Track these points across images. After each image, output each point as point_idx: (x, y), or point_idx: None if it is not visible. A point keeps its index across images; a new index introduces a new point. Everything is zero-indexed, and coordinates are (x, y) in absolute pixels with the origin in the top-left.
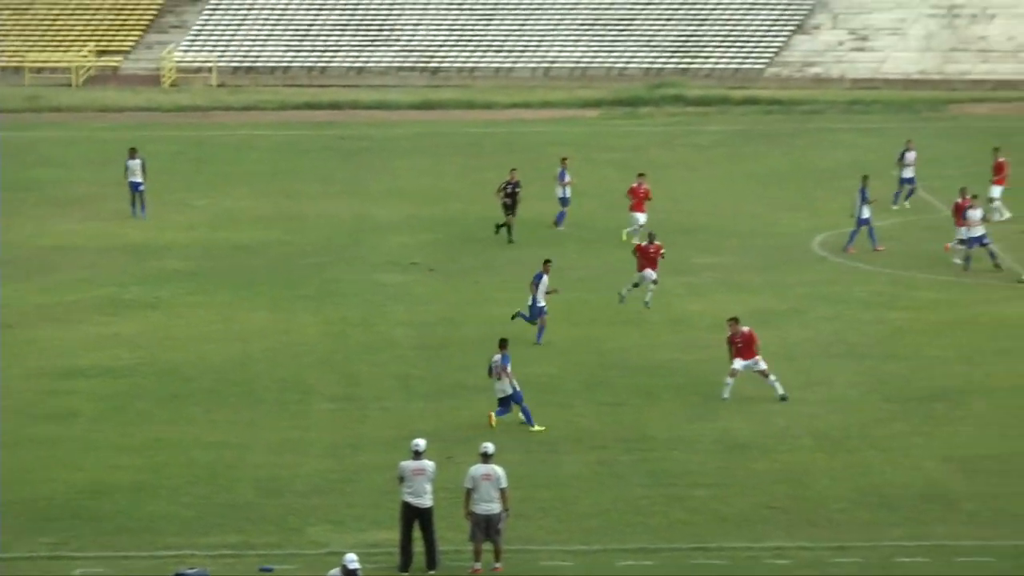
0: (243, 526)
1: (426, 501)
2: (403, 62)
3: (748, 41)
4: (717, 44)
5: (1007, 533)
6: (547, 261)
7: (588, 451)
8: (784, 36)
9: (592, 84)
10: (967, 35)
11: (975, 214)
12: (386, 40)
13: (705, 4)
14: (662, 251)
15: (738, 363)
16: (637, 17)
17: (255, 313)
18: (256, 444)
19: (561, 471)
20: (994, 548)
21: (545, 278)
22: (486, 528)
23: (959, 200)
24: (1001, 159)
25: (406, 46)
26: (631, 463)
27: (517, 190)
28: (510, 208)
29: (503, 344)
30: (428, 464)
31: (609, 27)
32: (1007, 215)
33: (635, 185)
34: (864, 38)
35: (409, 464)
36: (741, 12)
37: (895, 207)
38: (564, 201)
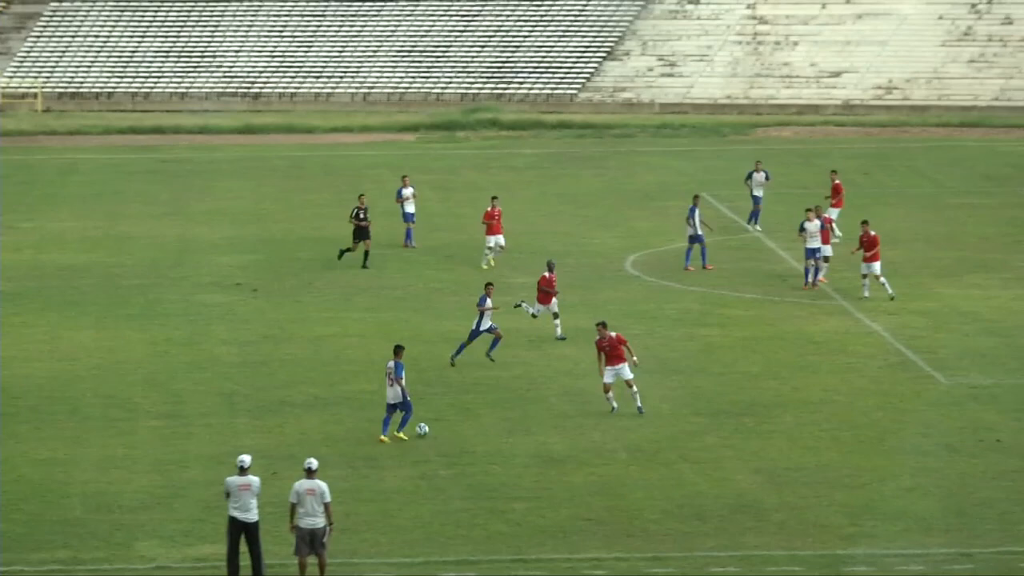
0: (72, 542)
1: (252, 516)
2: (225, 87)
3: (561, 67)
4: (531, 70)
5: (815, 543)
6: (488, 284)
7: (409, 466)
8: (595, 62)
9: (409, 109)
10: (771, 61)
11: (812, 226)
12: (208, 66)
13: (519, 31)
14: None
15: (608, 374)
16: (453, 44)
17: (81, 332)
18: (84, 461)
19: (383, 485)
20: (802, 558)
21: (488, 300)
22: (311, 542)
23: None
24: (838, 181)
25: (228, 72)
26: (451, 477)
27: (366, 215)
28: (362, 234)
29: (397, 351)
30: (254, 479)
31: (426, 54)
32: (839, 235)
33: (489, 208)
34: (672, 64)
35: (235, 480)
36: (554, 39)
37: (758, 228)
38: (407, 217)
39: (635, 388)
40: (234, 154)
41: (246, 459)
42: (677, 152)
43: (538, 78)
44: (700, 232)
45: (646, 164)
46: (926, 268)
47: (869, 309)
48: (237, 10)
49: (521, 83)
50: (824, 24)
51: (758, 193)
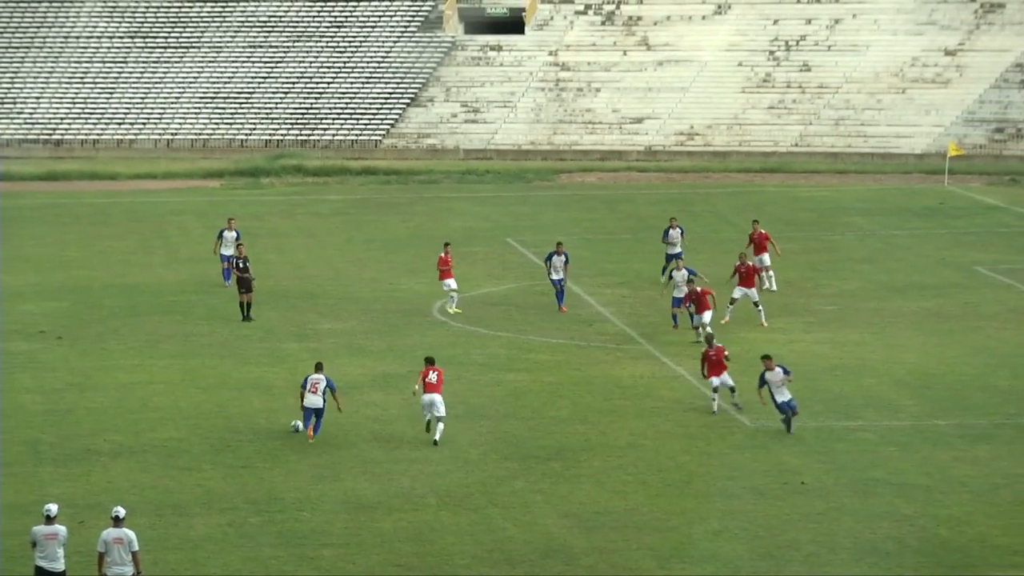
0: None
1: (59, 565)
2: (26, 134)
3: (365, 113)
4: (335, 116)
5: None
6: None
7: (218, 513)
8: (399, 109)
9: (213, 155)
10: (574, 108)
11: (679, 275)
12: (9, 112)
13: (322, 78)
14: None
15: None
16: (256, 90)
17: None
18: None
19: (192, 533)
20: None
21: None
22: None
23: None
24: (762, 231)
25: (29, 118)
26: (260, 524)
27: (246, 264)
28: (244, 285)
29: (319, 367)
30: (60, 529)
31: (229, 100)
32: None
33: (442, 255)
34: (476, 110)
35: (41, 529)
36: (357, 85)
37: (663, 280)
38: (224, 258)
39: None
40: (37, 201)
41: (52, 508)
42: (482, 198)
43: (342, 124)
44: (557, 276)
45: (452, 210)
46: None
47: (674, 354)
48: (37, 56)
49: (325, 129)
50: (625, 71)
51: (672, 252)
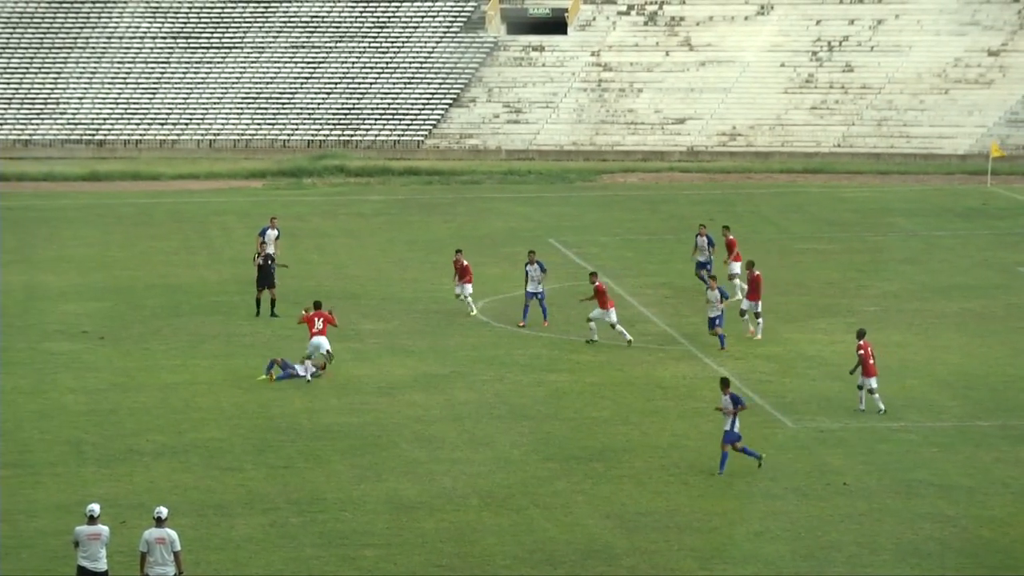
0: None
1: (101, 565)
2: (69, 134)
3: (407, 114)
4: (377, 117)
5: None
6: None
7: (259, 514)
8: (442, 109)
9: (256, 156)
10: (616, 108)
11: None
12: (52, 113)
13: (365, 78)
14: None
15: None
16: (299, 91)
17: None
18: None
19: (234, 534)
20: None
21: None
22: None
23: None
24: (731, 237)
25: (72, 119)
26: (302, 524)
27: (270, 263)
28: (265, 281)
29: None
30: (103, 528)
31: (272, 100)
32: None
33: (455, 258)
34: (518, 111)
35: (84, 529)
36: (400, 85)
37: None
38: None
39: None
40: (80, 201)
41: (95, 508)
42: (524, 198)
43: (385, 125)
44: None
45: (494, 210)
46: (773, 313)
47: (717, 354)
48: (80, 57)
49: (368, 130)
50: (668, 71)
51: (701, 258)
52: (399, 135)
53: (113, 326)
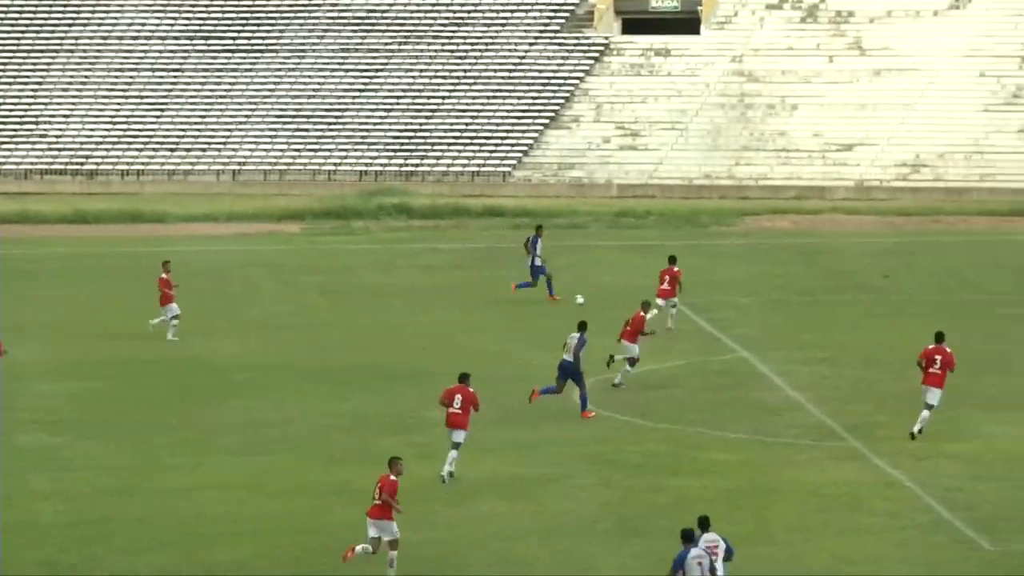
0: None
1: None
2: (51, 163)
3: (490, 137)
4: (450, 141)
5: None
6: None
7: None
8: (535, 131)
9: (292, 191)
10: (763, 130)
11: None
12: (29, 135)
13: (435, 91)
14: None
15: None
16: (350, 107)
17: None
18: None
19: None
20: None
21: None
22: None
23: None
24: (677, 269)
25: (55, 143)
26: None
27: None
28: None
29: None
30: None
31: (314, 119)
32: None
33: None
34: (635, 134)
35: None
36: (481, 101)
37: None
38: None
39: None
40: (62, 249)
41: None
42: (642, 247)
43: (460, 152)
44: (540, 264)
45: (601, 262)
46: (968, 398)
47: (891, 452)
48: (68, 62)
49: (437, 158)
50: (831, 83)
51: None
52: (478, 165)
53: (103, 412)
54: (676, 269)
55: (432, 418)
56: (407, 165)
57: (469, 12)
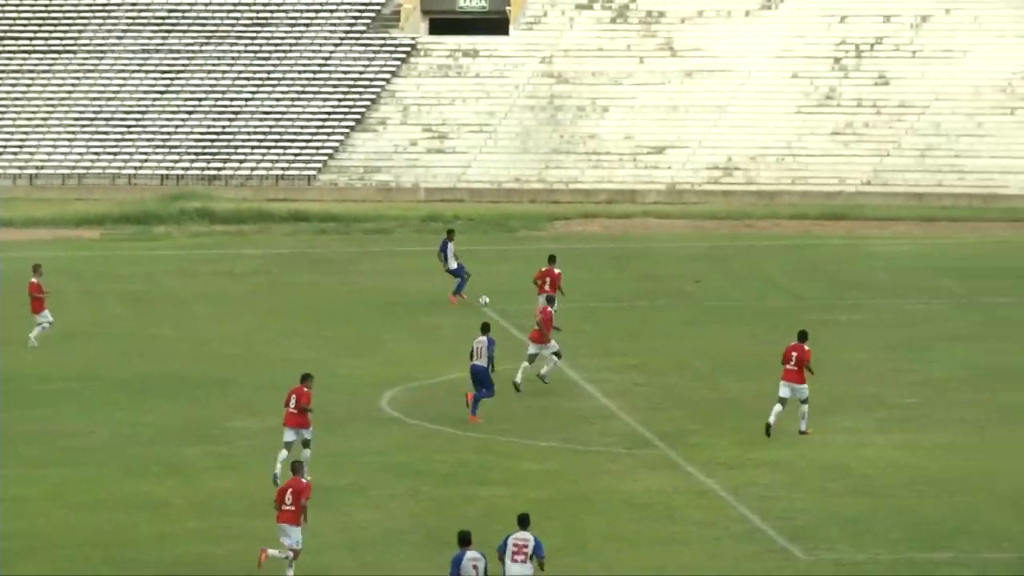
0: None
1: None
2: None
3: (294, 140)
4: (254, 145)
5: None
6: None
7: None
8: (341, 134)
9: (92, 195)
10: (573, 133)
11: None
12: None
13: (238, 93)
14: None
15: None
16: (150, 109)
17: None
18: None
19: None
20: None
21: None
22: None
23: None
24: (558, 271)
25: None
26: None
27: None
28: None
29: (524, 522)
30: None
31: (114, 122)
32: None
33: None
34: (443, 137)
35: None
36: (285, 103)
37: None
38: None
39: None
40: None
41: None
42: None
43: (263, 155)
44: (458, 266)
45: (409, 269)
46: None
47: (705, 460)
48: None
49: (241, 162)
50: (642, 84)
51: (454, 265)
52: (283, 169)
53: None
54: (557, 271)
55: (236, 428)
56: (210, 169)
57: (272, 12)
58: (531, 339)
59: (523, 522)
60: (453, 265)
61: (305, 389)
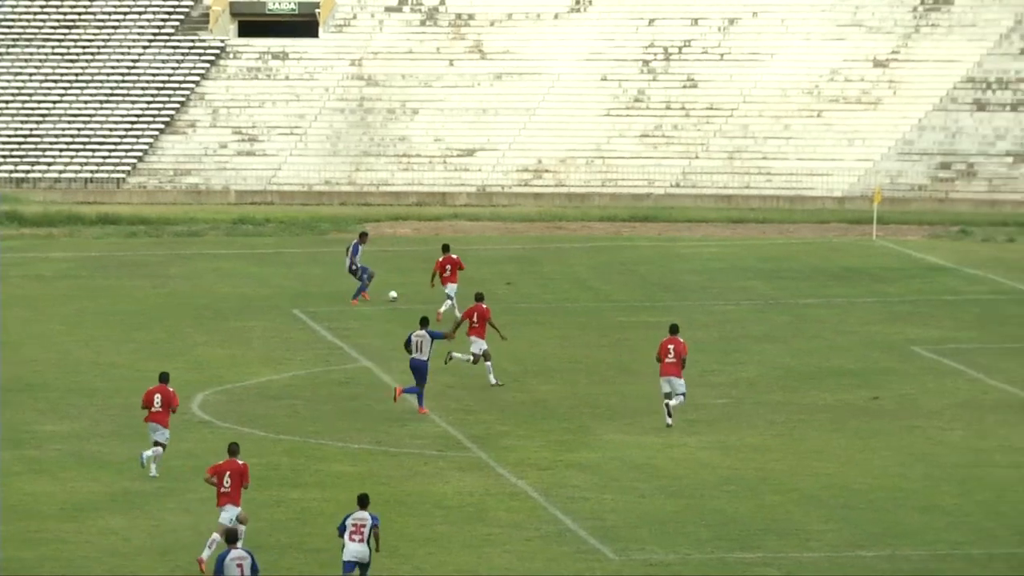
0: None
1: None
2: None
3: (103, 142)
4: (62, 147)
5: None
6: None
7: None
8: (150, 136)
9: None
10: (384, 135)
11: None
12: None
13: (46, 95)
14: None
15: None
16: None
17: None
18: None
19: None
20: None
21: None
22: None
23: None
24: (456, 256)
25: None
26: None
27: None
28: None
29: (363, 501)
30: None
31: None
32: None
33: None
34: (253, 139)
35: None
36: (94, 105)
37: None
38: None
39: None
40: None
41: None
42: (260, 255)
43: (72, 157)
44: (361, 268)
45: (219, 271)
46: (587, 407)
47: (515, 462)
48: None
49: (49, 164)
50: (452, 87)
51: (357, 267)
52: (92, 172)
53: None
54: (455, 257)
55: (46, 432)
56: (17, 172)
57: (80, 14)
58: (471, 336)
59: (362, 502)
60: (356, 266)
61: (170, 389)
